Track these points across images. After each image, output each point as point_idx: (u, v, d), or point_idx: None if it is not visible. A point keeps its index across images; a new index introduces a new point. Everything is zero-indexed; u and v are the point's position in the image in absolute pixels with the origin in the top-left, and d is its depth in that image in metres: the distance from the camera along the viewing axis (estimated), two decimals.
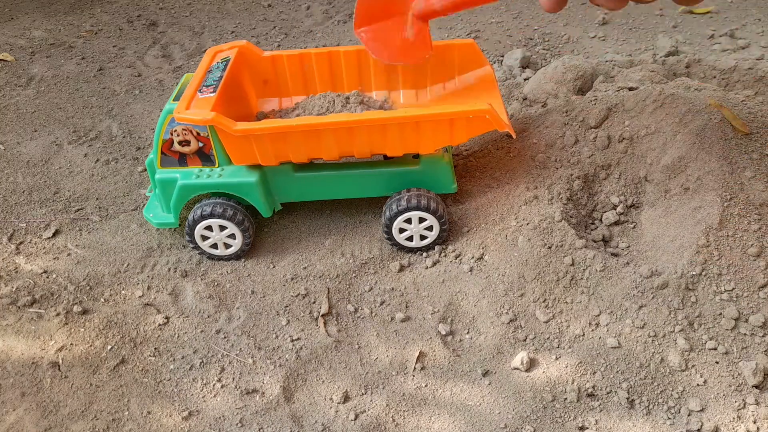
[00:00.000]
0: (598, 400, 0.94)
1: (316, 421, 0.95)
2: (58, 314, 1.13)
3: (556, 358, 1.00)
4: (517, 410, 0.94)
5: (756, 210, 1.08)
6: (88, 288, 1.19)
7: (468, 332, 1.06)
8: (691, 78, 1.53)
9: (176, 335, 1.09)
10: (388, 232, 1.18)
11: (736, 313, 1.01)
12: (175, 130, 1.14)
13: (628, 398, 0.94)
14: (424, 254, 1.20)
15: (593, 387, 0.96)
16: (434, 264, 1.17)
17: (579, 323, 1.05)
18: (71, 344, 1.08)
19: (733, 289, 1.03)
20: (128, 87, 1.89)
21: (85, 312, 1.14)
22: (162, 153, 1.17)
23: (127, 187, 1.46)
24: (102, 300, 1.16)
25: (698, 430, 0.90)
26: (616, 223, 1.22)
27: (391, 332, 1.07)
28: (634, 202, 1.25)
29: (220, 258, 1.22)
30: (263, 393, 0.99)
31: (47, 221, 1.36)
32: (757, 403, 0.92)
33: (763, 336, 0.99)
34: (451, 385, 0.99)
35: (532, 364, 0.99)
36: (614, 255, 1.17)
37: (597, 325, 1.04)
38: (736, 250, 1.05)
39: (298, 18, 2.32)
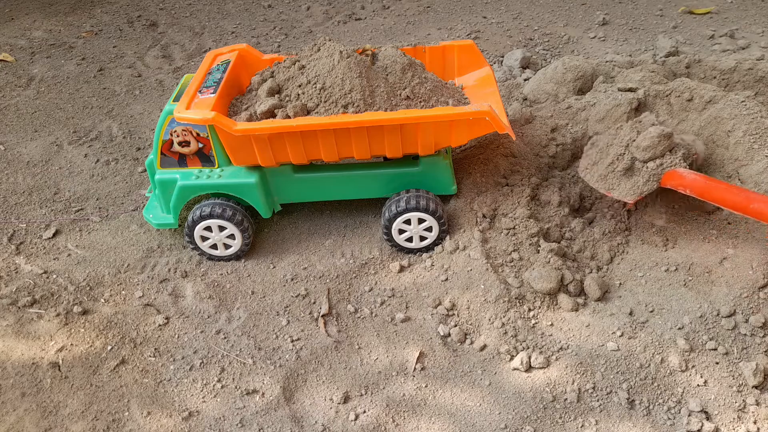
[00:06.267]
0: (598, 401, 0.94)
1: (316, 422, 0.95)
2: (58, 314, 1.13)
3: (557, 359, 1.00)
4: (517, 410, 0.94)
5: None
6: (88, 288, 1.19)
7: (468, 333, 1.06)
8: (691, 78, 1.53)
9: (176, 335, 1.09)
10: (388, 233, 1.18)
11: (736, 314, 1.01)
12: (175, 131, 1.14)
13: (628, 399, 0.94)
14: (424, 255, 1.19)
15: (593, 387, 0.96)
16: (434, 264, 1.17)
17: (579, 324, 1.05)
18: (71, 344, 1.08)
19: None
20: (128, 87, 1.89)
21: (85, 312, 1.14)
22: (162, 154, 1.17)
23: (127, 188, 1.46)
24: (102, 300, 1.16)
25: (698, 430, 0.90)
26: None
27: (391, 332, 1.07)
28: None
29: (219, 258, 1.22)
30: (263, 393, 0.99)
31: (47, 222, 1.36)
32: (758, 404, 0.92)
33: (763, 336, 0.99)
34: (451, 386, 0.99)
35: (532, 365, 0.99)
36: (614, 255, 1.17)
37: (597, 325, 1.04)
38: None
39: (298, 18, 2.32)
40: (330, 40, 1.18)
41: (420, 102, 1.13)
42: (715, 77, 1.54)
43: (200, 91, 1.14)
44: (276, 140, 1.10)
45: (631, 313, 1.05)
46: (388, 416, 0.95)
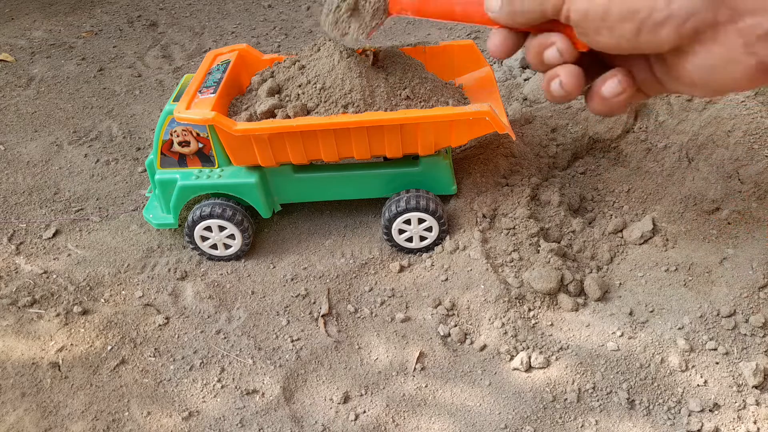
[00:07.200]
0: (598, 401, 0.94)
1: (316, 422, 0.95)
2: (58, 314, 1.13)
3: (557, 359, 1.00)
4: (517, 410, 0.94)
5: None
6: (88, 288, 1.19)
7: (468, 333, 1.06)
8: None
9: (176, 335, 1.09)
10: (388, 233, 1.18)
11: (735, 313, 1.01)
12: (175, 131, 1.14)
13: (628, 399, 0.94)
14: (424, 255, 1.20)
15: (593, 387, 0.96)
16: (434, 264, 1.17)
17: (579, 324, 1.05)
18: (71, 344, 1.08)
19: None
20: (128, 87, 1.89)
21: (85, 312, 1.14)
22: (161, 154, 1.17)
23: (127, 188, 1.46)
24: (102, 300, 1.16)
25: (698, 430, 0.90)
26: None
27: (391, 332, 1.07)
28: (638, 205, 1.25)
29: (219, 258, 1.22)
30: (263, 393, 0.99)
31: (47, 222, 1.36)
32: (758, 404, 0.92)
33: (763, 336, 0.99)
34: (451, 386, 0.99)
35: (532, 365, 0.99)
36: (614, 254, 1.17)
37: (597, 325, 1.04)
38: None
39: (298, 18, 2.32)
40: (330, 40, 1.18)
41: (420, 102, 1.13)
42: None
43: (200, 91, 1.14)
44: (276, 140, 1.10)
45: (631, 313, 1.05)
46: (388, 416, 0.95)
